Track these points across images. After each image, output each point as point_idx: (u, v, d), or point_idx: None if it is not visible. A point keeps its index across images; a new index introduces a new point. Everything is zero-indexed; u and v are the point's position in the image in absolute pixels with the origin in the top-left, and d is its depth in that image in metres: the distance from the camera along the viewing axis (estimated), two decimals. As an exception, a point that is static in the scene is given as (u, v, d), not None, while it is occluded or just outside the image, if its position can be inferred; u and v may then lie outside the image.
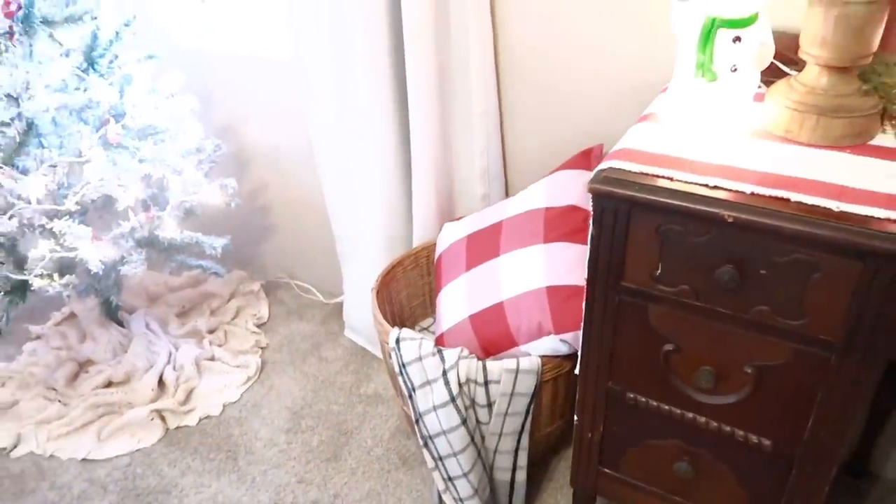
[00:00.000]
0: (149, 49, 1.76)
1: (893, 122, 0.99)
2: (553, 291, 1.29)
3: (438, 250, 1.57)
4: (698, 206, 0.88)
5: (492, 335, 1.35)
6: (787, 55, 1.07)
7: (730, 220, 0.86)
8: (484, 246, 1.43)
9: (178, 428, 1.79)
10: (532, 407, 1.34)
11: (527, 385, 1.31)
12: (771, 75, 1.06)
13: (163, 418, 1.79)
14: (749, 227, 0.86)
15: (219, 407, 1.83)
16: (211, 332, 2.06)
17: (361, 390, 1.88)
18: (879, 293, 0.83)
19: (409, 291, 1.70)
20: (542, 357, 1.31)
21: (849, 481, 1.51)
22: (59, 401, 1.82)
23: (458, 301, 1.42)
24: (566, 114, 1.53)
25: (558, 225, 1.35)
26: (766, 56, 1.01)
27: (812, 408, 0.95)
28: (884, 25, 0.93)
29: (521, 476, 1.44)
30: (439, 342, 1.44)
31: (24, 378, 1.89)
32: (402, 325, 1.63)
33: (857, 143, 0.97)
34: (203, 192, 1.79)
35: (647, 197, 0.92)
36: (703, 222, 0.90)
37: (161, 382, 1.87)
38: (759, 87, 1.04)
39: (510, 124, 1.61)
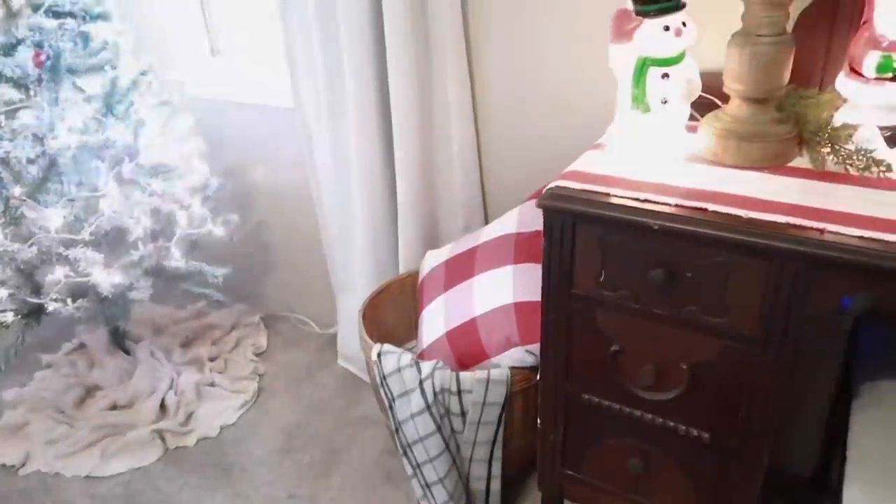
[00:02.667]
0: (162, 96, 1.94)
1: (806, 147, 1.12)
2: (520, 307, 1.41)
3: (421, 276, 1.70)
4: (630, 217, 1.01)
5: (466, 349, 1.46)
6: (721, 91, 1.21)
7: (656, 227, 0.99)
8: (460, 269, 1.56)
9: (177, 448, 1.89)
10: (504, 417, 1.44)
11: (497, 395, 1.41)
12: (707, 110, 1.20)
13: (163, 439, 1.89)
14: (672, 233, 0.99)
15: (216, 429, 1.94)
16: (212, 360, 2.17)
17: (351, 413, 1.98)
18: (786, 289, 0.95)
19: (395, 315, 1.82)
20: (512, 368, 1.42)
21: (814, 497, 1.58)
22: (67, 423, 1.93)
23: (436, 320, 1.54)
24: (537, 152, 1.67)
25: (527, 248, 1.48)
26: (694, 91, 1.15)
27: (741, 400, 1.06)
28: (790, 63, 1.08)
29: (496, 485, 1.52)
30: (420, 359, 1.55)
31: (34, 402, 2.00)
32: (388, 347, 1.74)
33: (775, 164, 1.11)
34: (207, 226, 1.94)
35: (588, 210, 1.05)
36: (636, 231, 1.02)
37: (163, 406, 1.98)
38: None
39: (487, 163, 1.76)
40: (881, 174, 1.04)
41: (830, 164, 1.09)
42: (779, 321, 0.97)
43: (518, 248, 1.49)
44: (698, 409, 1.11)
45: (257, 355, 2.24)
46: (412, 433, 1.42)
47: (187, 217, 1.89)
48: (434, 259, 1.67)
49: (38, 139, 1.62)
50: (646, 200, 1.03)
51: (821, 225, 0.93)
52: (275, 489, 1.74)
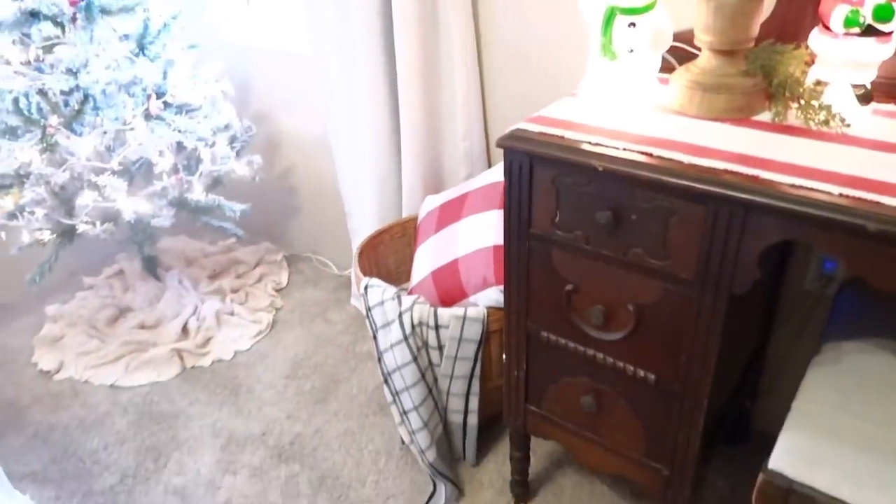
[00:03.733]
0: (193, 40, 2.05)
1: (772, 101, 1.12)
2: (498, 249, 1.47)
3: (419, 219, 1.77)
4: (577, 159, 1.05)
5: (448, 288, 1.54)
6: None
7: (600, 169, 1.03)
8: (451, 212, 1.62)
9: (193, 367, 2.04)
10: (480, 354, 1.51)
11: (474, 332, 1.48)
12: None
13: (181, 358, 2.05)
14: (616, 176, 1.02)
15: (231, 353, 2.08)
16: (234, 291, 2.32)
17: (356, 349, 2.09)
18: (720, 234, 0.97)
19: (396, 257, 1.90)
20: (489, 308, 1.48)
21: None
22: (98, 338, 2.11)
23: (425, 260, 1.62)
24: (541, 102, 1.70)
25: (512, 194, 1.53)
26: (663, 41, 1.16)
27: (682, 342, 1.10)
28: (758, 15, 1.08)
29: (473, 420, 1.60)
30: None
31: (72, 318, 2.19)
32: (386, 285, 1.83)
33: (739, 116, 1.12)
34: (230, 165, 2.06)
35: (541, 151, 1.09)
36: (584, 172, 1.06)
37: (185, 329, 2.14)
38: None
39: (492, 113, 1.80)
40: (839, 129, 1.04)
41: (792, 117, 1.09)
42: (714, 266, 1.00)
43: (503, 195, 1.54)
44: (644, 351, 1.15)
45: (277, 290, 2.37)
46: (391, 362, 1.51)
47: (211, 155, 2.01)
48: (431, 203, 1.74)
49: (73, 73, 1.76)
50: (597, 144, 1.06)
51: (756, 172, 0.95)
52: (275, 410, 1.87)
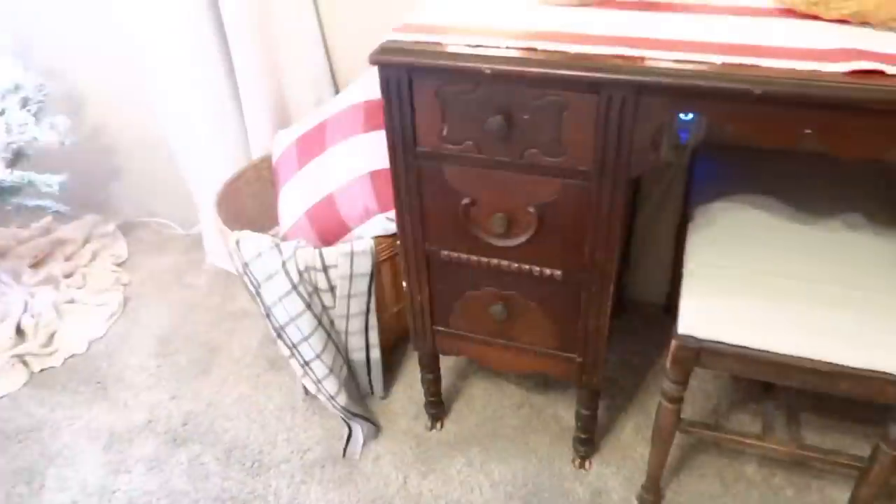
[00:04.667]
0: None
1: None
2: (375, 175, 1.39)
3: (274, 158, 1.63)
4: (462, 64, 0.99)
5: (327, 225, 1.44)
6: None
7: (488, 72, 0.98)
8: (312, 145, 1.51)
9: (42, 370, 1.79)
10: (373, 286, 1.46)
11: (364, 266, 1.42)
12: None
13: (25, 363, 1.79)
14: (504, 76, 0.98)
15: (84, 344, 1.85)
16: (67, 276, 2.04)
17: (227, 308, 1.94)
18: (614, 119, 0.98)
19: (257, 203, 1.76)
20: (376, 238, 1.42)
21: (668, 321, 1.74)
22: (-90, 362, 1.78)
23: (294, 200, 1.50)
24: (385, 9, 1.59)
25: (376, 114, 1.44)
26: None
27: (585, 235, 1.11)
28: None
29: (376, 354, 1.56)
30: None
31: None
32: (251, 236, 1.69)
33: None
34: (31, 132, 1.75)
35: (421, 62, 1.02)
36: (470, 79, 1.01)
37: (20, 330, 1.86)
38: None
39: (331, 30, 1.66)
40: None
41: (653, -7, 1.10)
42: (611, 153, 1.01)
43: (367, 116, 1.45)
44: (549, 250, 1.16)
45: (118, 265, 2.12)
46: (282, 315, 1.42)
47: (4, 124, 1.69)
48: (285, 139, 1.60)
49: None
50: (478, 46, 1.01)
51: (641, 53, 0.95)
52: (155, 394, 1.71)
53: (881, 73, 0.85)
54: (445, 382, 1.68)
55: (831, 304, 1.08)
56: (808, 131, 0.90)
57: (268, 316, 1.45)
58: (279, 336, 1.46)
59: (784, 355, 1.06)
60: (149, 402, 1.69)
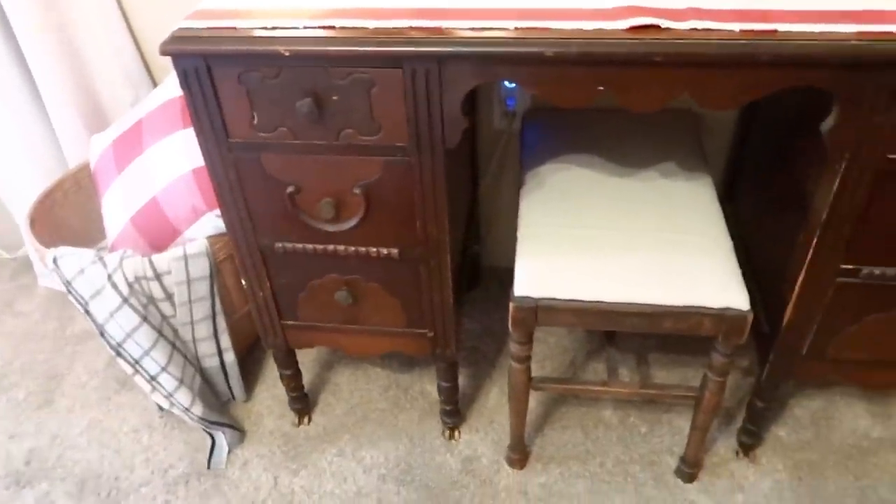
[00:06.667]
0: None
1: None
2: (199, 172, 1.32)
3: (92, 165, 1.51)
4: (260, 48, 0.95)
5: (155, 230, 1.36)
6: None
7: (287, 54, 0.94)
8: (129, 147, 1.41)
9: None
10: (215, 289, 1.39)
11: (201, 268, 1.35)
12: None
13: None
14: (305, 57, 0.95)
15: None
16: None
17: (67, 332, 1.81)
18: (422, 92, 0.97)
19: (80, 215, 1.63)
20: (210, 238, 1.35)
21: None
22: None
23: (116, 208, 1.40)
24: None
25: (194, 109, 1.37)
26: None
27: (414, 210, 1.11)
28: None
29: (230, 357, 1.50)
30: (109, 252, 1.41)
31: None
32: (79, 251, 1.57)
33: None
34: None
35: (218, 49, 0.96)
36: (269, 62, 0.97)
37: None
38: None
39: (138, 19, 1.55)
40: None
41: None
42: (424, 126, 1.01)
43: (185, 111, 1.37)
44: (381, 230, 1.15)
45: (-66, 301, 1.91)
46: (117, 331, 1.33)
47: None
48: (100, 143, 1.49)
49: None
50: (274, 28, 0.97)
51: (438, 23, 0.95)
52: (-9, 435, 1.56)
53: (657, 27, 0.90)
54: (310, 375, 1.65)
55: (648, 249, 1.15)
56: (601, 88, 0.94)
57: (102, 334, 1.35)
58: (118, 354, 1.37)
59: (611, 303, 1.11)
60: (-16, 446, 1.54)
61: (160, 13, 1.53)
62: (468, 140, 1.56)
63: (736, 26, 0.89)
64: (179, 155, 1.34)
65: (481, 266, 1.87)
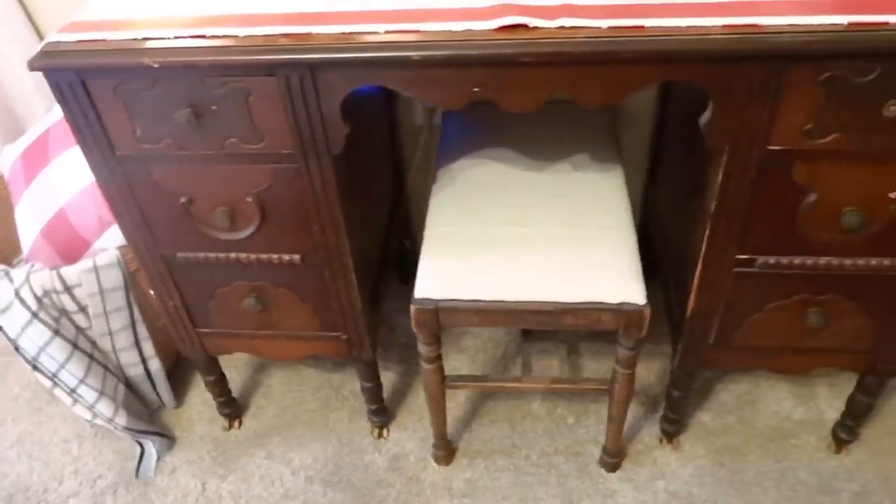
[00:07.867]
0: None
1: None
2: (103, 183, 1.30)
3: (5, 176, 1.49)
4: (127, 60, 0.93)
5: (65, 243, 1.35)
6: None
7: (155, 66, 0.93)
8: (36, 158, 1.39)
9: None
10: (131, 298, 1.38)
11: (114, 279, 1.34)
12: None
13: None
14: (176, 68, 0.94)
15: None
16: None
17: None
18: (298, 98, 0.96)
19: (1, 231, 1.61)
20: (122, 248, 1.34)
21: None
22: None
23: (27, 221, 1.39)
24: None
25: (99, 118, 1.35)
26: None
27: (308, 215, 1.10)
28: None
29: (155, 365, 1.49)
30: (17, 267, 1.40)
31: None
32: (0, 264, 1.55)
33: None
34: None
35: (85, 62, 0.95)
36: (143, 75, 0.95)
37: None
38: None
39: (46, 22, 1.53)
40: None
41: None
42: (306, 132, 0.99)
43: (90, 121, 1.35)
44: (280, 236, 1.14)
45: None
46: (30, 346, 1.32)
47: None
48: (12, 154, 1.47)
49: None
50: (144, 39, 0.95)
51: (308, 29, 0.93)
52: (-82, 452, 1.55)
53: (525, 26, 0.89)
54: (242, 377, 1.65)
55: (551, 245, 1.15)
56: (477, 89, 0.93)
57: (17, 350, 1.34)
58: (35, 368, 1.36)
59: (512, 302, 1.11)
60: (-89, 465, 1.53)
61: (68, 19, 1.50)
62: (386, 136, 1.55)
63: (605, 23, 0.88)
64: (83, 166, 1.32)
65: (411, 261, 1.86)
